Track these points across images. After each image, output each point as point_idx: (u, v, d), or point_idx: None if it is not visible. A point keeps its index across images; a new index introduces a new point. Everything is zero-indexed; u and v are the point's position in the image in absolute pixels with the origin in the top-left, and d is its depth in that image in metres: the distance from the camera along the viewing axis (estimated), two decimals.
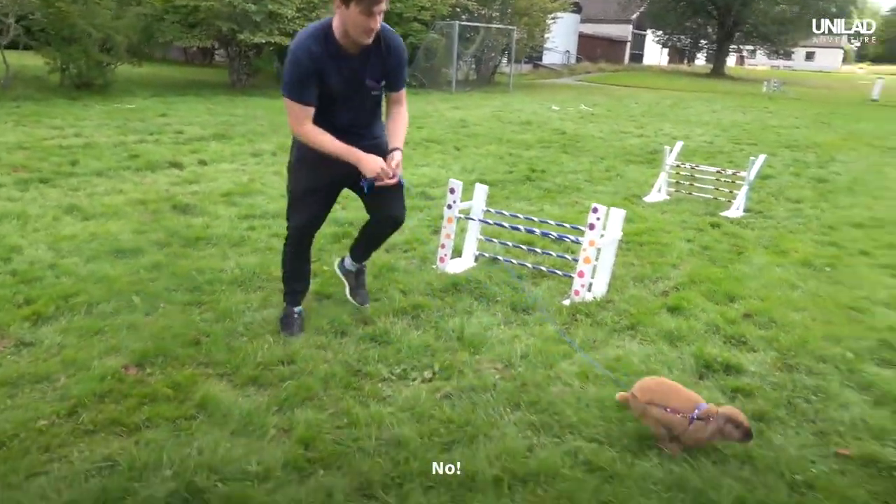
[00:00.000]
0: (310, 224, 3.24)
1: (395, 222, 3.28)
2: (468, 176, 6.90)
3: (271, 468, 2.19)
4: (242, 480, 2.13)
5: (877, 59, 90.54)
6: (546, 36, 26.68)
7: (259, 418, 2.46)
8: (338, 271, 3.62)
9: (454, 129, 11.04)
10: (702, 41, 45.25)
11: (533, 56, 30.20)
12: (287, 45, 15.17)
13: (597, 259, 3.80)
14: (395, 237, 4.71)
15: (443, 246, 4.16)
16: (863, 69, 72.33)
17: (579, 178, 7.56)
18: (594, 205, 3.67)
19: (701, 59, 50.32)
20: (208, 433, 2.36)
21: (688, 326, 3.48)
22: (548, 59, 33.59)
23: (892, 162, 9.85)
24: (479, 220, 4.27)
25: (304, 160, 3.07)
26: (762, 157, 6.46)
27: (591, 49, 40.42)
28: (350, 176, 3.04)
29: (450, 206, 4.11)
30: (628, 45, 46.38)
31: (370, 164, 2.90)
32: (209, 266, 3.98)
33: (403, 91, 3.11)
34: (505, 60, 23.81)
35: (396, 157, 2.97)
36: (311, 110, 2.86)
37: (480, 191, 4.26)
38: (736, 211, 6.11)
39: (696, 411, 2.38)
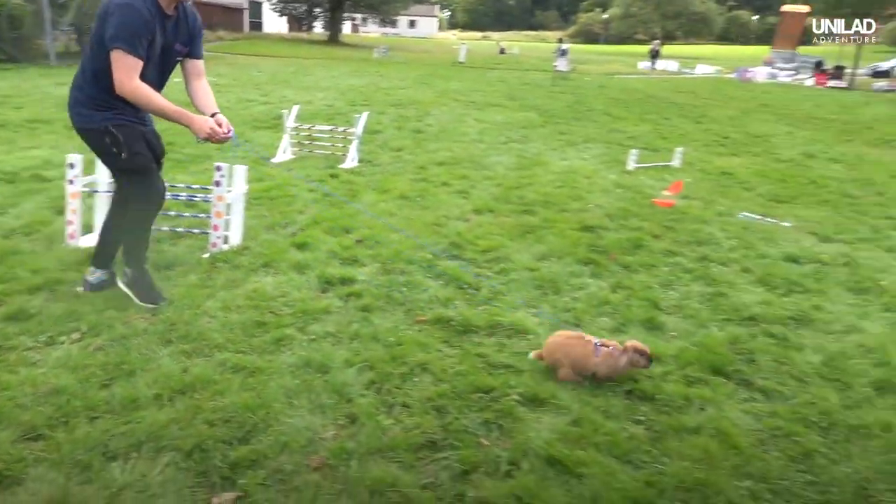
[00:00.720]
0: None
1: (164, 197, 3.45)
2: (89, 153, 6.59)
3: None
4: None
5: (465, 27, 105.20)
6: None
7: None
8: (90, 290, 3.48)
9: (63, 107, 10.09)
10: (316, 9, 47.28)
11: None
12: None
13: (228, 213, 4.27)
14: (12, 223, 4.54)
15: (70, 222, 4.17)
16: (454, 35, 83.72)
17: (209, 146, 7.77)
18: (216, 163, 4.11)
19: (319, 27, 52.51)
20: None
21: (312, 257, 4.21)
22: None
23: (470, 113, 12.17)
24: (106, 192, 4.35)
25: (125, 127, 3.13)
26: (365, 115, 7.58)
27: (208, 17, 38.96)
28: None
29: (72, 182, 4.12)
30: (246, 13, 46.03)
31: (202, 124, 3.08)
32: None
33: (203, 62, 3.32)
34: None
35: (222, 118, 3.17)
36: (141, 65, 2.89)
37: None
38: (351, 162, 7.10)
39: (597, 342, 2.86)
